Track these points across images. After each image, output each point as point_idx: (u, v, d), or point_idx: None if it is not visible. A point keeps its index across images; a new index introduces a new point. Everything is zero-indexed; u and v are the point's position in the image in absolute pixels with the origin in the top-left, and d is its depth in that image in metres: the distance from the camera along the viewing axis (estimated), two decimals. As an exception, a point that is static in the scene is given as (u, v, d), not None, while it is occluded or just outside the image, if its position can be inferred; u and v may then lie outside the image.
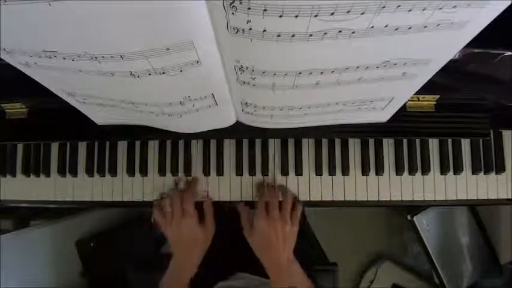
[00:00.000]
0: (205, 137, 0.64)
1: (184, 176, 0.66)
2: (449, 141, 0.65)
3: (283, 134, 0.63)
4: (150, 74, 0.38)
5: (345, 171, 0.64)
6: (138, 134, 0.62)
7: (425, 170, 0.64)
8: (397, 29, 0.32)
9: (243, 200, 0.66)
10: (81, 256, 1.03)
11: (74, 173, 0.68)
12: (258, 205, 0.60)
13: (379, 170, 0.64)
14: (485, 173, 0.64)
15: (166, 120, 0.52)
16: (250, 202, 0.65)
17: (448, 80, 0.50)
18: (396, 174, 0.64)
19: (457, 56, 0.42)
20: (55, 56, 0.36)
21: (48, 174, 0.69)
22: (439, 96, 0.57)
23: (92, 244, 1.04)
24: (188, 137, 0.61)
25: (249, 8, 0.28)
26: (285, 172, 0.65)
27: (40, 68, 0.40)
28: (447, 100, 0.58)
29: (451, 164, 0.64)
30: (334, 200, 0.65)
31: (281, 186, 0.65)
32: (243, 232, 0.62)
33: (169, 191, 0.65)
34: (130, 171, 0.67)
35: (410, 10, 0.29)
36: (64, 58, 0.36)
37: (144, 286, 0.94)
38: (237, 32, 0.32)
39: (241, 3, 0.28)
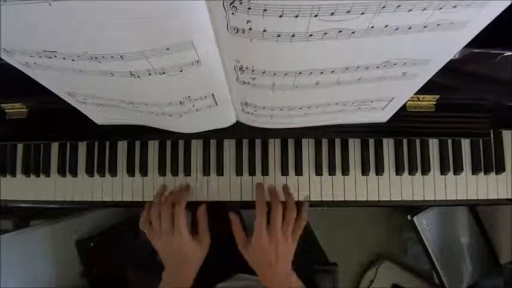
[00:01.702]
0: (205, 137, 0.64)
1: (185, 176, 0.66)
2: (449, 141, 0.65)
3: (283, 134, 0.63)
4: (150, 74, 0.38)
5: (345, 171, 0.64)
6: (138, 134, 0.62)
7: (425, 170, 0.64)
8: (397, 29, 0.32)
9: (243, 200, 0.65)
10: (81, 256, 1.03)
11: (74, 173, 0.68)
12: (258, 220, 0.55)
13: (379, 170, 0.64)
14: (485, 173, 0.64)
15: (166, 120, 0.52)
16: (250, 202, 0.65)
17: (448, 80, 0.50)
18: (396, 174, 0.64)
19: (457, 56, 0.42)
20: (55, 56, 0.36)
21: (48, 174, 0.69)
22: (439, 96, 0.57)
23: (92, 244, 1.04)
24: (188, 137, 0.61)
25: (249, 8, 0.28)
26: (285, 172, 0.65)
27: (40, 68, 0.40)
28: (447, 100, 0.58)
29: (451, 164, 0.64)
30: (334, 200, 0.65)
31: (288, 194, 0.61)
32: (238, 247, 0.58)
33: (157, 199, 0.61)
34: (130, 171, 0.67)
35: (410, 10, 0.29)
36: (64, 58, 0.36)
37: (144, 286, 0.94)
38: (237, 32, 0.32)
39: (241, 3, 0.28)
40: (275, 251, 0.54)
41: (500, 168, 0.64)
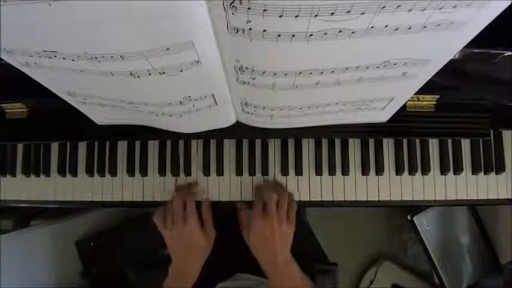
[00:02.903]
0: (205, 137, 0.64)
1: (185, 177, 0.66)
2: (449, 141, 0.64)
3: (283, 134, 0.62)
4: (150, 74, 0.38)
5: (345, 171, 0.64)
6: (138, 134, 0.62)
7: (425, 170, 0.64)
8: (397, 29, 0.32)
9: (243, 200, 0.66)
10: (81, 256, 1.03)
11: (74, 173, 0.68)
12: (255, 204, 0.60)
13: (379, 170, 0.64)
14: (485, 173, 0.64)
15: (166, 120, 0.52)
16: (250, 202, 0.65)
17: (448, 80, 0.50)
18: (396, 174, 0.64)
19: (457, 56, 0.42)
20: (55, 56, 0.36)
21: (48, 174, 0.69)
22: (439, 96, 0.57)
23: (92, 244, 1.04)
24: (188, 137, 0.61)
25: (249, 8, 0.28)
26: (285, 172, 0.65)
27: (40, 68, 0.40)
28: (447, 100, 0.58)
29: (451, 164, 0.64)
30: (334, 200, 0.65)
31: (278, 183, 0.65)
32: (241, 231, 0.61)
33: (172, 197, 0.63)
34: (130, 171, 0.67)
35: (410, 10, 0.29)
36: (64, 58, 0.36)
37: (144, 286, 0.94)
38: (237, 32, 0.32)
39: (241, 3, 0.28)
40: (272, 233, 0.57)
41: (500, 168, 0.64)
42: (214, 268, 0.63)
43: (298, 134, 0.61)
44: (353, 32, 0.31)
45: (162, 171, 0.66)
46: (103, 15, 0.30)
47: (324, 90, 0.43)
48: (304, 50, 0.34)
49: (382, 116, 0.55)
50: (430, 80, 0.43)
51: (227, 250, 0.67)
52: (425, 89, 0.45)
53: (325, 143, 0.65)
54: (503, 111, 0.59)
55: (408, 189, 0.64)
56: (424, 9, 0.29)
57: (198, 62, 0.37)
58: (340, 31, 0.31)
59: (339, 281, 0.87)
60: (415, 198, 0.64)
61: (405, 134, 0.62)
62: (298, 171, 0.65)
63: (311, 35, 0.31)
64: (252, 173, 0.65)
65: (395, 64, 0.39)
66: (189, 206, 0.60)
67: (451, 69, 0.41)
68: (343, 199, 0.65)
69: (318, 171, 0.65)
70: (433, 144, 0.65)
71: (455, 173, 0.64)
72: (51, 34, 0.33)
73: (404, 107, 0.56)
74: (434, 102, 0.59)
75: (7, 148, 0.70)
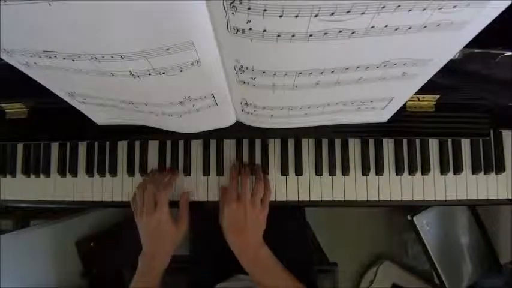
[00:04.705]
0: (205, 137, 0.64)
1: (184, 177, 0.66)
2: (449, 141, 0.65)
3: (283, 134, 0.63)
4: (150, 74, 0.38)
5: (345, 171, 0.64)
6: (138, 134, 0.62)
7: (425, 170, 0.64)
8: (397, 29, 0.32)
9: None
10: (81, 256, 1.03)
11: (74, 173, 0.68)
12: (229, 187, 0.60)
13: (379, 170, 0.64)
14: (485, 173, 0.64)
15: (166, 120, 0.52)
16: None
17: (448, 80, 0.50)
18: (396, 174, 0.64)
19: (457, 56, 0.42)
20: (55, 56, 0.36)
21: (48, 174, 0.69)
22: (439, 96, 0.57)
23: (92, 244, 1.04)
24: (188, 137, 0.61)
25: (249, 8, 0.28)
26: (285, 172, 0.65)
27: (40, 68, 0.40)
28: (447, 100, 0.58)
29: (451, 164, 0.64)
30: (334, 200, 0.65)
31: (253, 166, 0.65)
32: (219, 219, 0.61)
33: (146, 181, 0.63)
34: (130, 171, 0.67)
35: (410, 10, 0.29)
36: (64, 58, 0.36)
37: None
38: (237, 32, 0.32)
39: (241, 3, 0.28)
40: (244, 216, 0.57)
41: (500, 168, 0.64)
42: (214, 268, 0.63)
43: (298, 134, 0.61)
44: (353, 32, 0.31)
45: (162, 172, 0.66)
46: (103, 16, 0.30)
47: (324, 90, 0.43)
48: (304, 50, 0.34)
49: (382, 116, 0.55)
50: (430, 80, 0.43)
51: (226, 251, 0.67)
52: (425, 89, 0.45)
53: (325, 143, 0.65)
54: (503, 111, 0.59)
55: (408, 189, 0.64)
56: (424, 9, 0.29)
57: (198, 62, 0.37)
58: (340, 31, 0.31)
59: (339, 281, 0.87)
60: (415, 198, 0.64)
61: (405, 134, 0.62)
62: (298, 171, 0.65)
63: (311, 35, 0.31)
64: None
65: (395, 64, 0.39)
66: (160, 195, 0.59)
67: (451, 69, 0.41)
68: (343, 199, 0.65)
69: (318, 171, 0.65)
70: (433, 144, 0.65)
71: (455, 173, 0.64)
72: (51, 34, 0.33)
73: (404, 107, 0.56)
74: (434, 102, 0.59)
75: (7, 148, 0.70)
